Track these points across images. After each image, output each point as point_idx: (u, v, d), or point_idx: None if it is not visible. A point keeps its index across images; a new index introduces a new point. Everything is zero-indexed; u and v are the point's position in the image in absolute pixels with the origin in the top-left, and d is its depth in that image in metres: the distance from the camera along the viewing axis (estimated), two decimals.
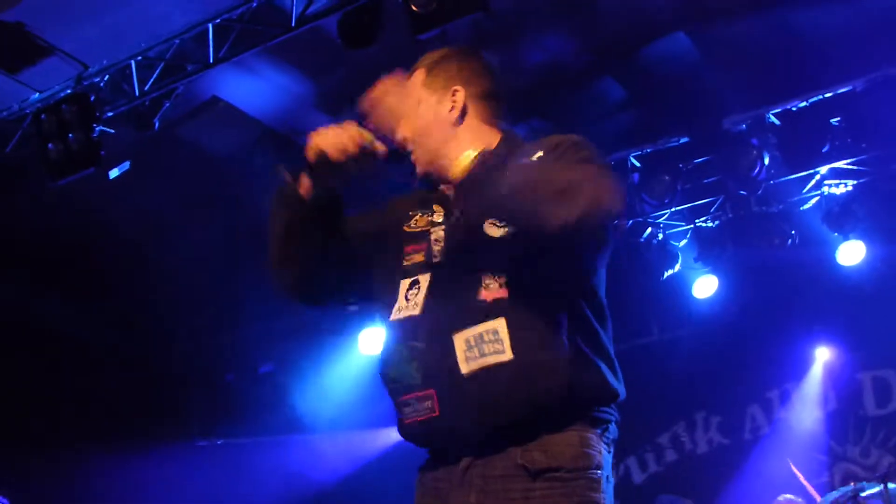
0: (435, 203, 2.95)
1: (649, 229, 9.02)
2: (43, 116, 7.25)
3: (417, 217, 2.95)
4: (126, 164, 7.35)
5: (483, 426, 2.67)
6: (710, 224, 8.88)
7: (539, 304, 2.72)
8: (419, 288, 2.82)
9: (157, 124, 7.32)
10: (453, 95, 2.95)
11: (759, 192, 8.51)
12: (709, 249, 8.86)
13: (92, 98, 7.25)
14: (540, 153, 2.75)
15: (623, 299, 9.50)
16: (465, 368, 2.67)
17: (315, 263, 2.95)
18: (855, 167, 8.32)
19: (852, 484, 7.55)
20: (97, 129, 7.18)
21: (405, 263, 2.89)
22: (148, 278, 9.26)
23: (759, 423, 9.92)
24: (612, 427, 2.83)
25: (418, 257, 2.87)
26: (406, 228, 2.92)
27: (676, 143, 8.53)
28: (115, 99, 7.39)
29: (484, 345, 2.66)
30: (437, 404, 2.70)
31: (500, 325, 2.66)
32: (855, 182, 8.37)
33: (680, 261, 9.00)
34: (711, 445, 10.14)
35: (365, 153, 2.79)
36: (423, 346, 2.74)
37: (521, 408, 2.65)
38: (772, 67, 8.01)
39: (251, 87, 8.11)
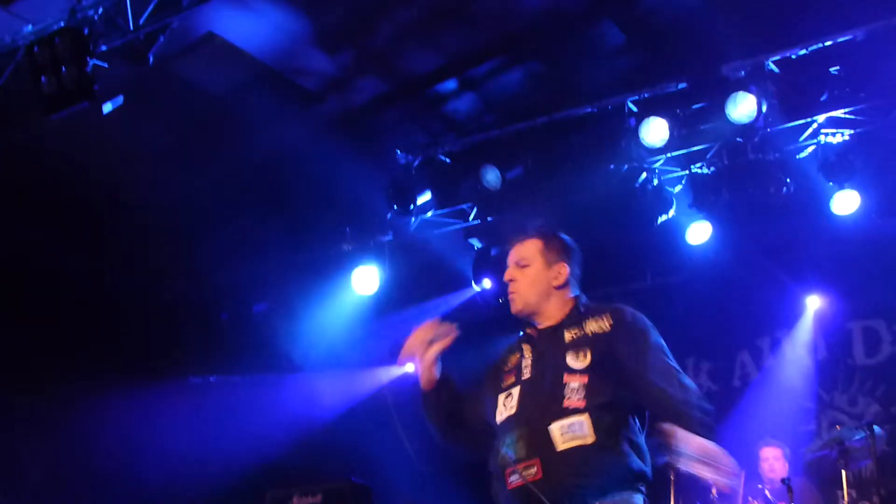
0: (523, 343, 4.15)
1: (644, 174, 8.98)
2: (36, 49, 7.18)
3: (509, 358, 4.15)
4: (119, 99, 7.29)
5: (573, 486, 3.76)
6: (705, 170, 8.84)
7: (607, 410, 3.84)
8: (511, 397, 4.01)
9: (151, 59, 7.24)
10: (560, 269, 4.14)
11: (756, 139, 8.48)
12: (704, 196, 8.83)
13: (86, 31, 7.16)
14: (607, 325, 3.99)
15: (617, 244, 9.53)
16: (560, 447, 3.80)
17: (472, 444, 4.27)
18: (852, 116, 8.29)
19: (837, 427, 7.64)
20: (91, 62, 7.11)
21: (502, 385, 4.08)
22: (142, 215, 9.25)
23: (749, 370, 9.99)
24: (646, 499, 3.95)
25: (511, 379, 4.06)
26: (504, 368, 4.14)
27: (674, 89, 8.49)
28: (110, 33, 7.29)
29: (573, 432, 3.81)
30: (540, 470, 3.79)
31: (584, 419, 3.81)
32: (852, 131, 8.33)
33: (674, 207, 8.98)
34: (701, 391, 10.17)
35: (439, 338, 4.13)
36: (526, 431, 3.87)
37: (598, 475, 3.78)
38: (772, 15, 7.96)
39: (247, 24, 8.05)
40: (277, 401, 10.46)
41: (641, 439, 3.93)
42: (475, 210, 9.56)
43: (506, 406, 4.01)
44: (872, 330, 9.49)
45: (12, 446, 9.50)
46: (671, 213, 8.98)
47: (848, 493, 7.49)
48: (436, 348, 4.13)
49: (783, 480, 7.85)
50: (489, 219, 9.49)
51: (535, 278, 4.11)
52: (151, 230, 9.59)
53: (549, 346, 4.03)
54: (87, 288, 9.99)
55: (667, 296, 9.97)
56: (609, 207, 9.08)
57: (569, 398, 3.84)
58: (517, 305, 4.11)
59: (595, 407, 3.82)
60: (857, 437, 7.52)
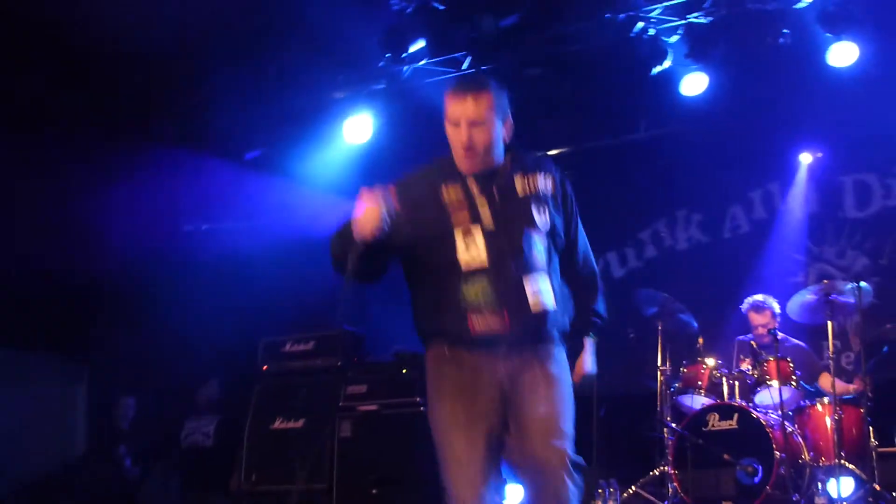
0: (462, 178, 4.11)
1: (640, 23, 8.86)
2: None
3: (448, 190, 4.10)
4: None
5: (535, 338, 4.05)
6: (702, 20, 8.73)
7: (555, 273, 4.17)
8: (475, 242, 4.05)
9: None
10: (506, 124, 4.13)
11: None
12: (700, 46, 8.73)
13: None
14: (551, 186, 4.19)
15: (611, 95, 9.47)
16: (534, 308, 4.01)
17: (380, 272, 4.18)
18: None
19: (825, 282, 7.71)
20: None
21: (454, 221, 4.06)
22: (129, 59, 9.12)
23: (739, 223, 10.03)
24: None
25: (465, 217, 4.06)
26: (444, 197, 4.09)
27: None
28: None
29: (542, 295, 4.03)
30: (507, 323, 3.98)
31: (546, 282, 4.06)
32: None
33: (670, 57, 8.88)
34: (691, 242, 10.27)
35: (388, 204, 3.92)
36: (498, 284, 3.99)
37: (552, 334, 4.10)
38: None
39: None
40: (271, 248, 10.51)
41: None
42: (469, 59, 9.46)
43: (469, 251, 4.04)
44: (864, 183, 9.50)
45: None
46: (667, 63, 8.89)
47: (833, 344, 7.61)
48: (385, 213, 3.93)
49: (769, 331, 7.99)
50: (483, 67, 9.39)
51: (493, 136, 4.08)
52: (140, 75, 9.47)
53: (504, 193, 4.11)
54: (80, 130, 9.90)
55: (660, 147, 9.97)
56: (604, 57, 8.99)
57: (536, 257, 4.07)
58: (476, 165, 4.10)
59: (550, 270, 4.12)
60: (844, 290, 7.59)
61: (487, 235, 4.03)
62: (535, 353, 4.05)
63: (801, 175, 9.71)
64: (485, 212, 4.05)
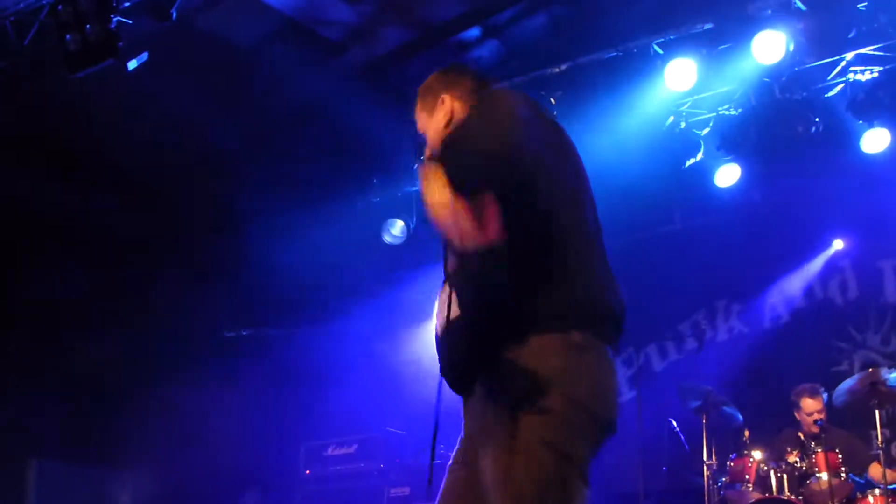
0: None
1: (671, 118, 8.94)
2: (59, 7, 7.19)
3: None
4: (145, 55, 7.29)
5: (450, 366, 2.94)
6: (732, 112, 8.78)
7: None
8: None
9: (174, 14, 7.24)
10: (442, 104, 3.36)
11: (784, 78, 8.39)
12: (731, 138, 8.78)
13: None
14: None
15: (645, 188, 9.50)
16: (439, 328, 2.95)
17: None
18: (881, 53, 8.18)
19: (870, 370, 7.61)
20: (114, 19, 7.11)
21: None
22: (166, 173, 9.27)
23: (779, 312, 9.94)
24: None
25: None
26: None
27: (700, 30, 8.39)
28: None
29: (451, 305, 2.89)
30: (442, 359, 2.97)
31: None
32: (881, 68, 8.23)
33: (702, 149, 8.93)
34: (731, 333, 10.19)
35: None
36: (441, 303, 3.01)
37: (468, 349, 2.90)
38: None
39: None
40: (311, 352, 10.52)
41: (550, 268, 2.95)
42: None
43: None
44: None
45: None
46: (699, 155, 8.94)
47: (881, 433, 7.47)
48: None
49: (815, 422, 7.87)
50: None
51: (431, 135, 3.39)
52: (176, 187, 9.62)
53: None
54: (108, 245, 10.01)
55: (696, 239, 9.96)
56: (636, 151, 9.03)
57: (450, 259, 3.05)
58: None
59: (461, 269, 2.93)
60: (890, 378, 7.49)
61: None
62: (489, 395, 2.86)
63: (840, 262, 9.64)
64: None
